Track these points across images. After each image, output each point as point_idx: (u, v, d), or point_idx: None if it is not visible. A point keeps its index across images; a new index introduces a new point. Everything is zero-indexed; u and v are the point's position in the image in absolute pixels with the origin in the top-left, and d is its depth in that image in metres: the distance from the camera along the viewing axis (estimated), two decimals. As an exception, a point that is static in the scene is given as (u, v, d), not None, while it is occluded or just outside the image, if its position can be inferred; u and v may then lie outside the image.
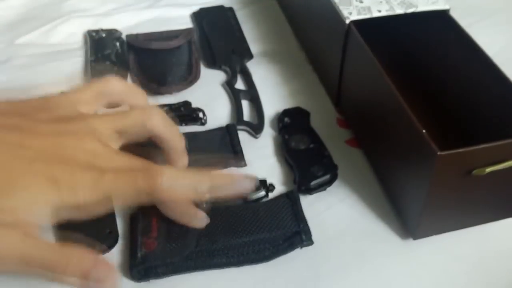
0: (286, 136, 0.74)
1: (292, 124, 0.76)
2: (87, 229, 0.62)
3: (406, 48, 0.81)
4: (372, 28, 0.68)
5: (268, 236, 0.61)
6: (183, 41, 0.89)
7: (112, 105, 0.62)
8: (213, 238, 0.60)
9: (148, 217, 0.62)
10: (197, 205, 0.64)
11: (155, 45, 0.88)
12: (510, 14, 1.00)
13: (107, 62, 0.85)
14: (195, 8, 1.00)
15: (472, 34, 0.68)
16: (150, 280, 0.59)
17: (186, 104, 0.79)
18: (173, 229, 0.61)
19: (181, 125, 0.78)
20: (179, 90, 0.82)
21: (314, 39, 0.86)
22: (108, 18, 0.97)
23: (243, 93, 0.82)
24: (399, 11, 0.71)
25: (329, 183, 0.69)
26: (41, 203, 0.50)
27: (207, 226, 0.61)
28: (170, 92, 0.82)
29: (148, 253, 0.58)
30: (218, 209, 0.63)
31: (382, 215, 0.66)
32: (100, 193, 0.52)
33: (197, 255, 0.59)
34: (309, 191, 0.67)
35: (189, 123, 0.78)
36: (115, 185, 0.52)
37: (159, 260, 0.58)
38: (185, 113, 0.78)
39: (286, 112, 0.78)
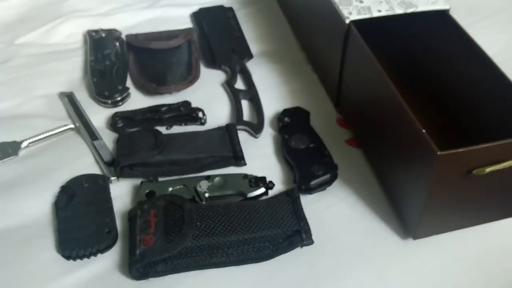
0: (286, 136, 0.74)
1: (292, 124, 0.76)
2: (86, 229, 0.63)
3: (406, 48, 0.81)
4: (372, 28, 0.68)
5: (268, 234, 0.61)
6: (183, 41, 0.89)
7: None
8: (213, 234, 0.60)
9: (146, 214, 0.62)
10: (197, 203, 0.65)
11: (155, 45, 0.88)
12: (510, 14, 1.00)
13: (107, 62, 0.85)
14: (195, 8, 1.00)
15: (472, 34, 0.68)
16: (150, 279, 0.59)
17: (186, 103, 0.79)
18: (170, 224, 0.61)
19: (180, 124, 0.78)
20: (178, 89, 0.82)
21: (314, 39, 0.86)
22: (108, 18, 0.97)
23: (243, 93, 0.82)
24: (399, 11, 0.71)
25: (329, 182, 0.69)
26: None
27: (207, 222, 0.61)
28: (169, 92, 0.82)
29: (147, 250, 0.58)
30: (218, 206, 0.63)
31: (382, 215, 0.66)
32: None
33: (196, 253, 0.59)
34: (309, 190, 0.67)
35: (188, 123, 0.78)
36: None
37: (157, 256, 0.58)
38: (184, 113, 0.78)
39: (286, 112, 0.78)
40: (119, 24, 0.95)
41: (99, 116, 0.79)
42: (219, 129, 0.76)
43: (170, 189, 0.67)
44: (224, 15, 0.99)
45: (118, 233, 0.63)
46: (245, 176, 0.68)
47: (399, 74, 0.68)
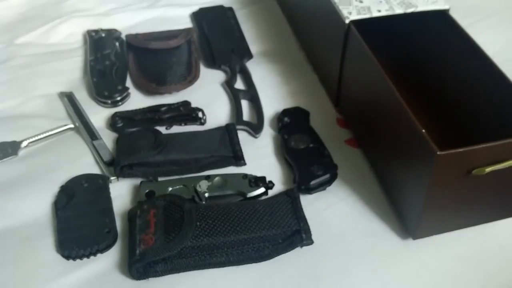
0: (286, 136, 0.74)
1: (291, 124, 0.76)
2: (86, 229, 0.63)
3: (406, 48, 0.81)
4: (372, 28, 0.68)
5: (268, 234, 0.61)
6: (183, 41, 0.89)
7: None
8: (212, 234, 0.60)
9: (145, 214, 0.62)
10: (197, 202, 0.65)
11: (155, 45, 0.88)
12: (510, 14, 1.00)
13: (107, 62, 0.85)
14: (195, 8, 1.00)
15: (472, 34, 0.68)
16: (149, 279, 0.59)
17: (186, 103, 0.79)
18: (170, 224, 0.61)
19: (180, 124, 0.78)
20: (178, 89, 0.82)
21: (314, 39, 0.86)
22: (108, 18, 0.97)
23: (242, 93, 0.82)
24: (399, 11, 0.71)
25: (329, 182, 0.69)
26: None
27: (206, 222, 0.61)
28: (169, 92, 0.82)
29: (146, 249, 0.58)
30: (217, 206, 0.63)
31: (382, 215, 0.66)
32: None
33: (196, 253, 0.59)
34: (309, 190, 0.67)
35: (188, 123, 0.78)
36: None
37: (157, 255, 0.58)
38: (184, 113, 0.78)
39: (285, 112, 0.78)
40: (119, 24, 0.95)
41: (99, 116, 0.79)
42: (219, 129, 0.76)
43: (170, 189, 0.67)
44: (224, 15, 0.99)
45: (117, 233, 0.63)
46: (245, 176, 0.68)
47: (399, 74, 0.68)
